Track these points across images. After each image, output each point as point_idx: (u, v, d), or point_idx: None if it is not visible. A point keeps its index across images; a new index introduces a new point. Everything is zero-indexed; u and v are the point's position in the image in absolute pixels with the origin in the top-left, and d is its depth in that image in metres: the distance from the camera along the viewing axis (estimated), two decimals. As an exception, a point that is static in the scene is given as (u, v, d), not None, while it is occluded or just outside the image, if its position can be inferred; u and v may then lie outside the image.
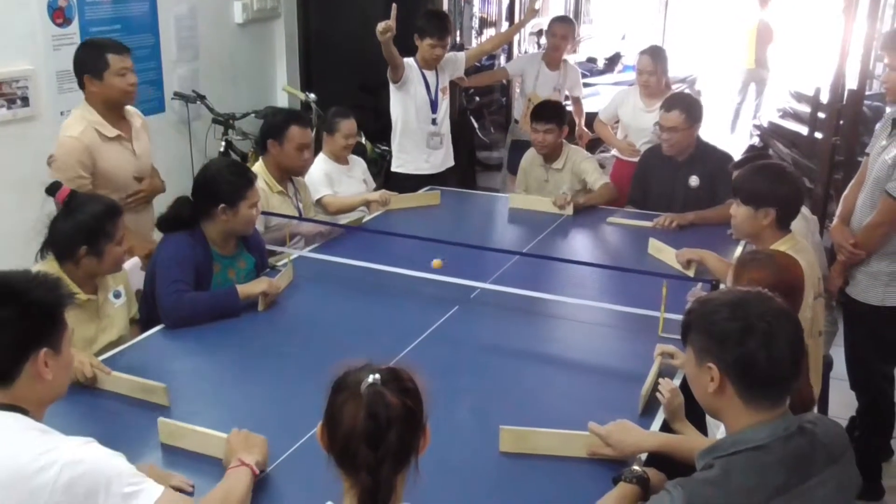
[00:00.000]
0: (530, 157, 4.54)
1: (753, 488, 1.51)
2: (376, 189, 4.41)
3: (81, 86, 3.30)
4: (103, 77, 3.23)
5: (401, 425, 1.38)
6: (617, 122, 5.04)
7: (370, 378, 1.40)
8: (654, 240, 3.50)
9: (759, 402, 1.57)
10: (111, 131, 3.28)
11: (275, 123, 3.64)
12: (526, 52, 6.47)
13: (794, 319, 1.61)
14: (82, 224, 2.55)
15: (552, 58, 5.48)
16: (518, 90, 5.70)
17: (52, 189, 2.69)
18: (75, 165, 3.18)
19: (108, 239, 2.57)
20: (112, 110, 3.32)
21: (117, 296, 2.78)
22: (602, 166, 7.23)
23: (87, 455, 1.57)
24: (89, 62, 3.24)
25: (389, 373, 1.44)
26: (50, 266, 2.55)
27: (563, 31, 5.42)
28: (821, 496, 1.56)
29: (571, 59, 11.05)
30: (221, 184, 2.95)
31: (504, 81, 5.62)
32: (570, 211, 4.10)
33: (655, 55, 4.71)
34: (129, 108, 3.45)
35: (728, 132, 9.73)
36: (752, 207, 2.72)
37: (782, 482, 1.52)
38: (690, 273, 3.19)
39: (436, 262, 3.20)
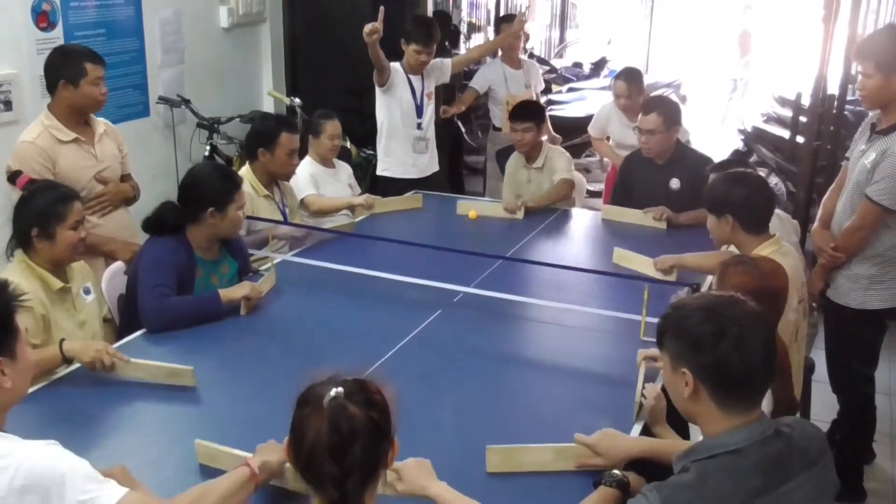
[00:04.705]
0: (514, 161, 4.58)
1: (729, 492, 1.51)
2: (361, 194, 4.42)
3: (51, 90, 3.27)
4: (79, 84, 3.21)
5: (365, 437, 1.38)
6: (608, 136, 5.09)
7: (333, 392, 1.39)
8: (618, 249, 3.49)
9: (734, 406, 1.58)
10: (67, 135, 3.26)
11: (265, 131, 3.64)
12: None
13: (765, 323, 1.62)
14: (34, 206, 2.61)
15: (511, 57, 5.57)
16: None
17: (13, 177, 2.88)
18: (37, 168, 3.15)
19: (58, 220, 2.60)
20: (75, 116, 3.29)
21: (87, 292, 2.81)
22: (587, 171, 7.26)
23: (44, 459, 1.53)
24: (67, 68, 3.21)
25: (355, 384, 1.44)
26: (20, 260, 2.59)
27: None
28: (798, 500, 1.57)
29: (558, 64, 11.12)
30: (210, 187, 2.95)
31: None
32: (520, 215, 4.12)
33: (630, 79, 4.79)
34: (93, 116, 3.42)
35: (714, 135, 9.82)
36: (714, 216, 2.78)
37: (758, 486, 1.53)
38: (672, 278, 3.21)
39: (472, 213, 3.02)
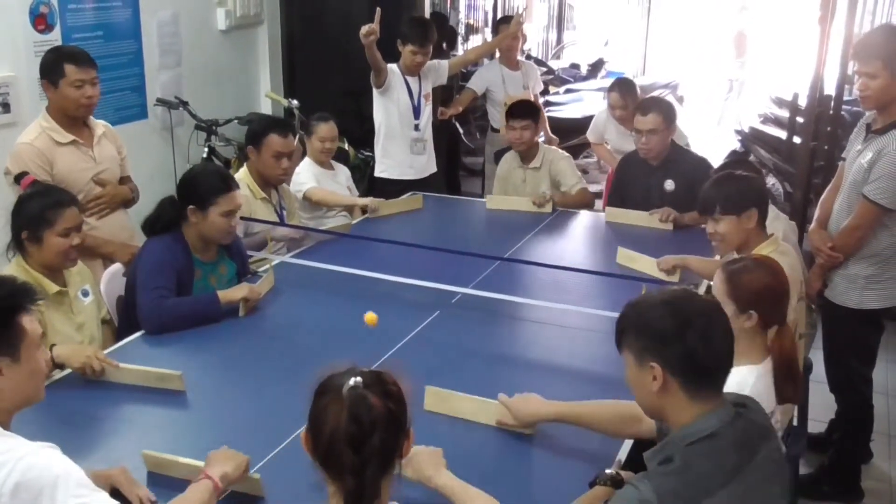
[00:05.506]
0: (507, 162, 4.58)
1: (712, 473, 1.58)
2: (360, 197, 4.42)
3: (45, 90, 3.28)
4: (58, 85, 3.18)
5: (384, 428, 1.38)
6: (607, 141, 5.10)
7: (352, 381, 1.40)
8: (622, 249, 3.50)
9: (703, 394, 1.63)
10: (65, 136, 3.24)
11: (255, 130, 3.65)
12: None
13: (723, 312, 1.70)
14: (26, 209, 2.61)
15: (509, 58, 5.60)
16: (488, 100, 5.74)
17: (19, 178, 2.92)
18: (35, 170, 3.14)
19: (47, 226, 2.59)
20: (68, 118, 3.26)
21: (85, 294, 2.81)
22: (585, 171, 7.27)
23: (39, 460, 1.53)
24: (48, 68, 3.20)
25: (373, 376, 1.44)
26: (16, 263, 2.59)
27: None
28: (768, 469, 1.65)
29: (556, 65, 11.13)
30: (196, 185, 2.96)
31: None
32: (549, 208, 4.19)
33: (624, 90, 4.80)
34: (93, 118, 3.40)
35: (711, 136, 9.84)
36: (734, 215, 2.74)
37: (736, 463, 1.60)
38: (675, 279, 3.22)
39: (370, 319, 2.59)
